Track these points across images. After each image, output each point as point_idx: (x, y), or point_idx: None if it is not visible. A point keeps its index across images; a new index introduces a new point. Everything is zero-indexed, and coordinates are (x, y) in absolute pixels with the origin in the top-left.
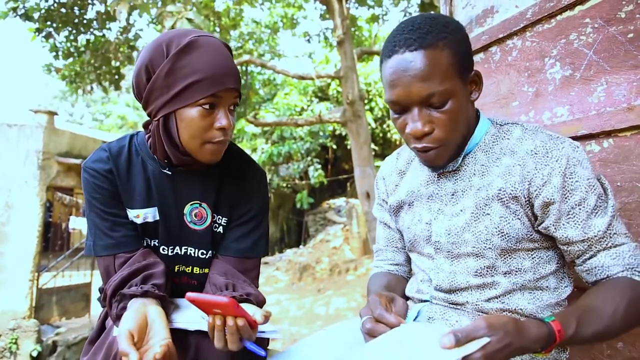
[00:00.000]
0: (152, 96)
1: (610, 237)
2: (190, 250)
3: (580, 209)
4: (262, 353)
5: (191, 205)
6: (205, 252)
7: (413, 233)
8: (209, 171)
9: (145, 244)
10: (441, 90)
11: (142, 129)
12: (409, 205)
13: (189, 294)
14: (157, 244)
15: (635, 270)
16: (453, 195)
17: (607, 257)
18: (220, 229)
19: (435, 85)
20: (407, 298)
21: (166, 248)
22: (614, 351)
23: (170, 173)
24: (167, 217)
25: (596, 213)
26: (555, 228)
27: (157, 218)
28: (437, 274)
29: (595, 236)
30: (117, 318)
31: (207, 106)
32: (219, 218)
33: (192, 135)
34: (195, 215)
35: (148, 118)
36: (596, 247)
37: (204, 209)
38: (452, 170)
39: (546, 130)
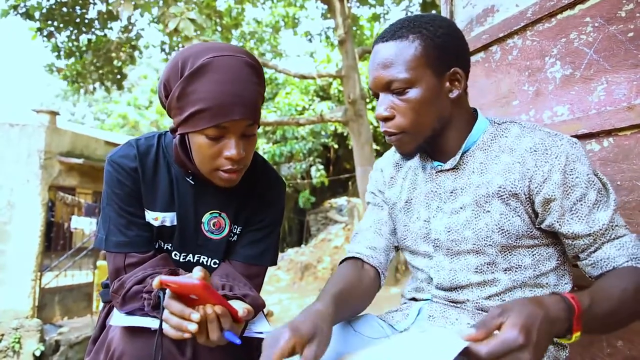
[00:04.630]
0: (171, 113)
1: (613, 229)
2: (203, 259)
3: (582, 204)
4: (238, 341)
5: (210, 214)
6: (218, 261)
7: (410, 230)
8: None
9: (157, 247)
10: (401, 78)
11: (149, 129)
12: (406, 202)
13: (162, 277)
14: (170, 248)
15: (639, 260)
16: (452, 192)
17: (612, 249)
18: (235, 238)
19: (395, 72)
20: (410, 297)
21: (178, 254)
22: (614, 349)
23: (193, 183)
24: (185, 224)
25: (598, 207)
26: (560, 225)
27: (175, 223)
28: (437, 272)
29: (599, 230)
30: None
31: (212, 136)
32: (235, 227)
33: (201, 161)
34: (214, 225)
35: (151, 119)
36: (600, 240)
37: (223, 219)
38: (451, 168)
39: (544, 128)
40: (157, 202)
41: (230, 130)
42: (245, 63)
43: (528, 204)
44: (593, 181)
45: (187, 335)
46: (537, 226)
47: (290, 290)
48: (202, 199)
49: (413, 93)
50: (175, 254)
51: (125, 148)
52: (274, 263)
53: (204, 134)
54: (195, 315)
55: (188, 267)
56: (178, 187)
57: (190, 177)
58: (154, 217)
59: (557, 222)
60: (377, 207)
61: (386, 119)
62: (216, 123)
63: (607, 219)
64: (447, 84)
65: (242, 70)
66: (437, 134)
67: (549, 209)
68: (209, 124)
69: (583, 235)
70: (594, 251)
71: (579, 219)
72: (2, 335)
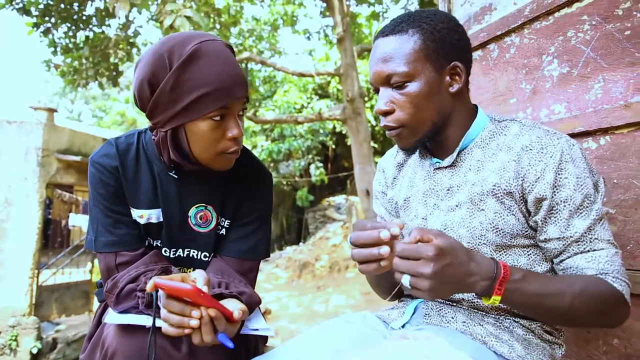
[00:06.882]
0: (158, 109)
1: (590, 242)
2: (193, 252)
3: (564, 205)
4: (230, 345)
5: (196, 207)
6: (208, 254)
7: (408, 228)
8: (216, 174)
9: (147, 244)
10: (400, 71)
11: (145, 125)
12: (405, 200)
13: (156, 279)
14: (159, 245)
15: (608, 275)
16: (449, 190)
17: (582, 260)
18: (224, 231)
19: (395, 66)
20: (401, 295)
21: (168, 250)
22: (610, 347)
23: (176, 177)
24: (171, 220)
25: (580, 213)
26: (542, 224)
27: (161, 219)
28: None
29: (571, 236)
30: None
31: (217, 118)
32: (223, 220)
33: (204, 148)
34: (201, 218)
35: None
36: (573, 249)
37: (210, 211)
38: (448, 165)
39: (544, 126)
40: (141, 200)
41: (232, 110)
42: (226, 45)
43: (522, 203)
44: (582, 185)
45: (187, 331)
46: (530, 225)
47: (288, 288)
48: (187, 193)
49: (412, 87)
50: (165, 250)
51: (105, 147)
52: (267, 255)
53: (209, 118)
54: (196, 312)
55: (179, 262)
56: (161, 183)
57: (173, 172)
58: (139, 215)
59: (541, 221)
60: (378, 206)
61: (386, 113)
62: (223, 104)
63: (582, 228)
64: (448, 78)
65: (227, 52)
66: (437, 130)
67: (540, 207)
68: (216, 105)
69: (553, 238)
70: (565, 259)
71: (556, 220)
72: None
